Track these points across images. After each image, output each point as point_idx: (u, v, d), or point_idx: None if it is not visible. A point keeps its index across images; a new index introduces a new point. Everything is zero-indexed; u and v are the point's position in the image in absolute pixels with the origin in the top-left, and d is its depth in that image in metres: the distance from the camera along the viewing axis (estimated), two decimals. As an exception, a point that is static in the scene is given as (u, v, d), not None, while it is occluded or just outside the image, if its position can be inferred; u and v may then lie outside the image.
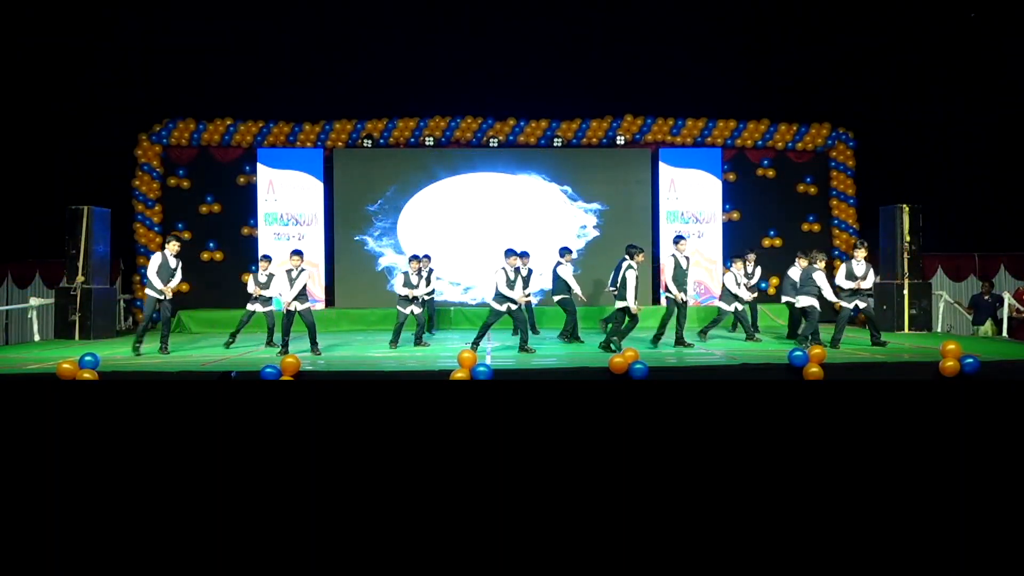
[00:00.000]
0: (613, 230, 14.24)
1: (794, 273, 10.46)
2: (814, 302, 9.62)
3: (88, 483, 1.96)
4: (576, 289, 10.84)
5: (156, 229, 14.38)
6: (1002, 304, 12.02)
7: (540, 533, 1.91)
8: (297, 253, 10.00)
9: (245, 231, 14.55)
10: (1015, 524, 1.87)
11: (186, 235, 14.50)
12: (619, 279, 9.72)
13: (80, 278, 11.98)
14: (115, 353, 9.67)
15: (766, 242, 14.62)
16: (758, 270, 12.03)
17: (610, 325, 9.88)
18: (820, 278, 9.60)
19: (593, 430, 2.00)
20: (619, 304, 9.61)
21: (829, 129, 14.74)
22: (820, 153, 14.94)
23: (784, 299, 11.10)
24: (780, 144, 14.78)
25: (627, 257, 9.71)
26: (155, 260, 9.72)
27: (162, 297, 9.65)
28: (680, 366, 8.41)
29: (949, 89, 14.20)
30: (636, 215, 14.58)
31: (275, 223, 14.31)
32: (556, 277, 11.00)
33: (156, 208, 14.38)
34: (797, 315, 10.42)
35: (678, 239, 10.60)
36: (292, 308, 9.69)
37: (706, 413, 2.03)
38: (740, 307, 10.80)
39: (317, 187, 14.36)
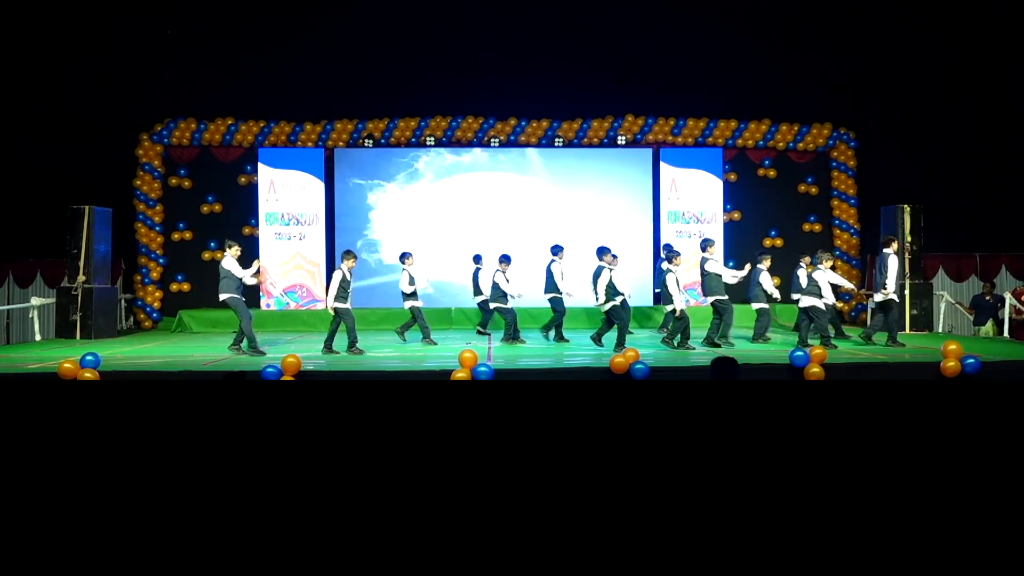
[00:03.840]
0: (614, 230, 14.23)
1: (803, 274, 10.63)
2: (816, 302, 9.65)
3: (89, 484, 1.96)
4: (563, 287, 10.79)
5: (157, 229, 14.40)
6: (1003, 305, 12.02)
7: (541, 533, 1.91)
8: (348, 252, 10.26)
9: (246, 231, 14.55)
10: (1016, 525, 1.87)
11: (187, 235, 14.54)
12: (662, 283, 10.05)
13: (81, 278, 11.98)
14: (116, 353, 9.68)
15: (767, 242, 14.61)
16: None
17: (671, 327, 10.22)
18: (821, 277, 9.63)
19: (594, 430, 2.00)
20: (669, 308, 10.01)
21: (830, 129, 14.74)
22: (821, 153, 14.93)
23: (794, 296, 11.24)
24: (781, 144, 14.78)
25: (664, 260, 9.99)
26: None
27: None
28: (681, 366, 8.42)
29: (950, 89, 14.18)
30: (637, 215, 14.59)
31: (276, 223, 14.31)
32: (549, 275, 10.94)
33: (157, 208, 14.39)
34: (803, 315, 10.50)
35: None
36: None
37: (707, 413, 2.03)
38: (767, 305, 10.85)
39: (318, 187, 14.37)
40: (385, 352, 10.00)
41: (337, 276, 9.81)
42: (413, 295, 10.69)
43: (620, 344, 9.49)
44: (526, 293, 11.30)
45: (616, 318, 9.68)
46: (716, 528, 1.85)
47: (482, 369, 7.64)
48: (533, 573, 1.83)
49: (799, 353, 8.13)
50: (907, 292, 12.18)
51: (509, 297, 10.80)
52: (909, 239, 12.47)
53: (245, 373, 7.54)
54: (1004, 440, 1.92)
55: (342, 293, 9.73)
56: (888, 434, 1.95)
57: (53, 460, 1.92)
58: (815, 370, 7.81)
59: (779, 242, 14.62)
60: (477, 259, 11.71)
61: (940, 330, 12.54)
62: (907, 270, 12.36)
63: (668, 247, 10.90)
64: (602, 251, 9.98)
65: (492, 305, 10.95)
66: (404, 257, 10.90)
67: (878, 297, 9.97)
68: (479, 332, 11.55)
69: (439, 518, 1.86)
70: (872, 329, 10.02)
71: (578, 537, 1.85)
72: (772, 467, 1.91)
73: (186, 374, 8.04)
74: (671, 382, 5.74)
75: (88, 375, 7.48)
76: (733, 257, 14.59)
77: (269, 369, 7.63)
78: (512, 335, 10.73)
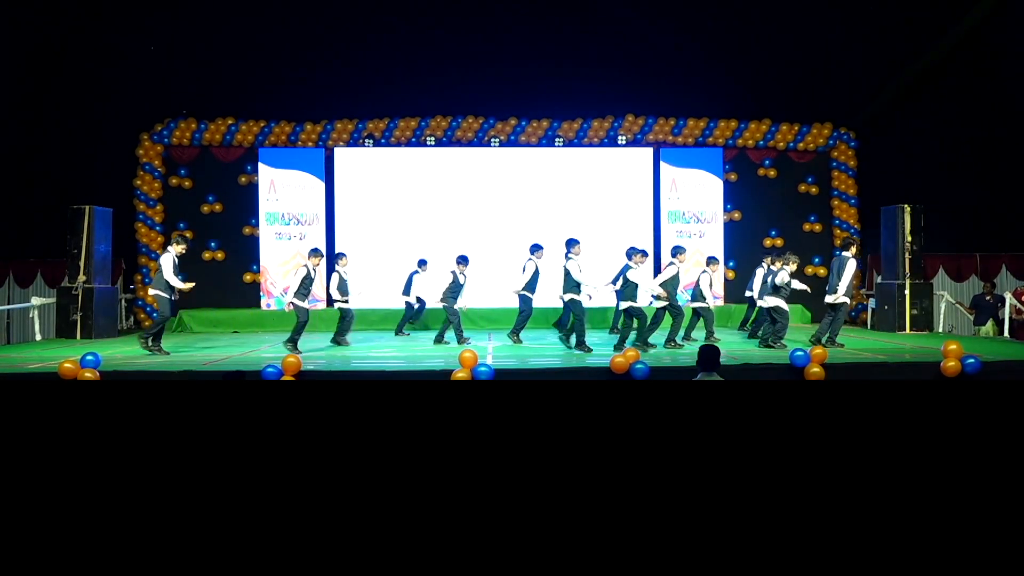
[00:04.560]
0: (614, 230, 14.23)
1: (760, 273, 10.84)
2: (780, 303, 9.64)
3: (89, 484, 1.96)
4: (520, 287, 10.50)
5: (158, 229, 14.40)
6: (1004, 304, 12.01)
7: (542, 534, 1.91)
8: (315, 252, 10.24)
9: (247, 231, 14.56)
10: (1016, 525, 1.87)
11: (188, 234, 14.53)
12: (621, 281, 9.79)
13: (82, 277, 11.98)
14: (117, 353, 9.68)
15: (767, 242, 14.62)
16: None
17: (623, 326, 9.97)
18: (783, 278, 9.56)
19: (594, 430, 2.00)
20: (623, 305, 9.62)
21: (830, 129, 14.74)
22: (821, 153, 14.93)
23: (747, 294, 11.66)
24: (781, 144, 14.78)
25: (627, 260, 9.76)
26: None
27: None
28: (681, 366, 8.41)
29: (950, 88, 14.17)
30: (637, 215, 14.59)
31: (276, 223, 14.32)
32: (536, 273, 10.51)
33: (158, 208, 14.39)
34: (761, 313, 10.54)
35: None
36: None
37: (707, 413, 2.03)
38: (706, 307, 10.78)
39: (318, 187, 14.37)
40: (385, 352, 10.00)
41: (301, 273, 9.74)
42: (345, 298, 10.73)
43: (621, 345, 9.54)
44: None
45: (636, 314, 9.53)
46: (717, 528, 1.85)
47: (482, 369, 7.64)
48: (534, 573, 1.83)
49: (799, 353, 8.13)
50: (907, 292, 12.17)
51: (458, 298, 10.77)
52: (909, 239, 12.45)
53: (245, 373, 7.55)
54: (1004, 440, 1.92)
55: (303, 290, 9.68)
56: (888, 434, 1.95)
57: (53, 460, 1.92)
58: (815, 370, 7.82)
59: (779, 242, 14.62)
60: (422, 263, 12.04)
61: (940, 330, 12.53)
62: (908, 270, 12.34)
63: (632, 249, 10.37)
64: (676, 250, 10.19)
65: (441, 304, 10.76)
66: (338, 258, 10.94)
67: (829, 299, 9.86)
68: (398, 333, 11.95)
69: (439, 518, 1.86)
70: (822, 333, 9.83)
71: (579, 537, 1.85)
72: (772, 467, 1.91)
73: (186, 374, 8.03)
74: (671, 382, 5.74)
75: (88, 375, 7.48)
76: (733, 257, 14.61)
77: (269, 369, 7.63)
78: (443, 336, 10.79)
